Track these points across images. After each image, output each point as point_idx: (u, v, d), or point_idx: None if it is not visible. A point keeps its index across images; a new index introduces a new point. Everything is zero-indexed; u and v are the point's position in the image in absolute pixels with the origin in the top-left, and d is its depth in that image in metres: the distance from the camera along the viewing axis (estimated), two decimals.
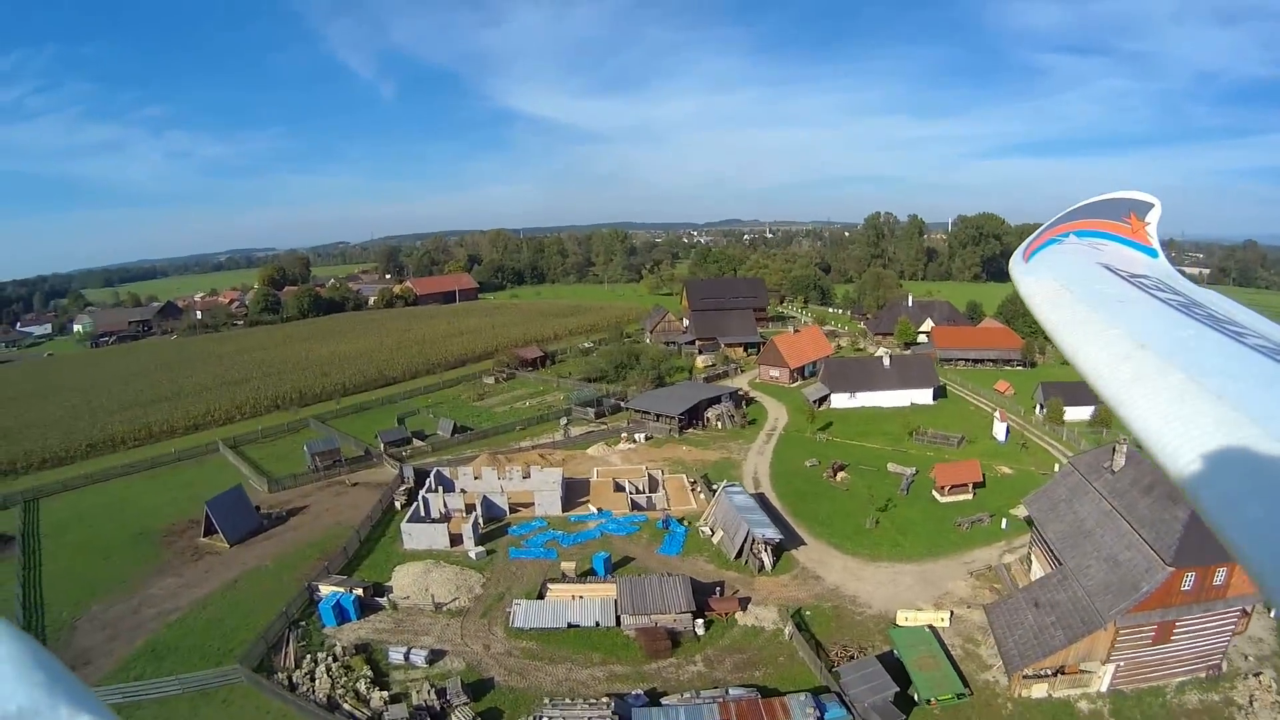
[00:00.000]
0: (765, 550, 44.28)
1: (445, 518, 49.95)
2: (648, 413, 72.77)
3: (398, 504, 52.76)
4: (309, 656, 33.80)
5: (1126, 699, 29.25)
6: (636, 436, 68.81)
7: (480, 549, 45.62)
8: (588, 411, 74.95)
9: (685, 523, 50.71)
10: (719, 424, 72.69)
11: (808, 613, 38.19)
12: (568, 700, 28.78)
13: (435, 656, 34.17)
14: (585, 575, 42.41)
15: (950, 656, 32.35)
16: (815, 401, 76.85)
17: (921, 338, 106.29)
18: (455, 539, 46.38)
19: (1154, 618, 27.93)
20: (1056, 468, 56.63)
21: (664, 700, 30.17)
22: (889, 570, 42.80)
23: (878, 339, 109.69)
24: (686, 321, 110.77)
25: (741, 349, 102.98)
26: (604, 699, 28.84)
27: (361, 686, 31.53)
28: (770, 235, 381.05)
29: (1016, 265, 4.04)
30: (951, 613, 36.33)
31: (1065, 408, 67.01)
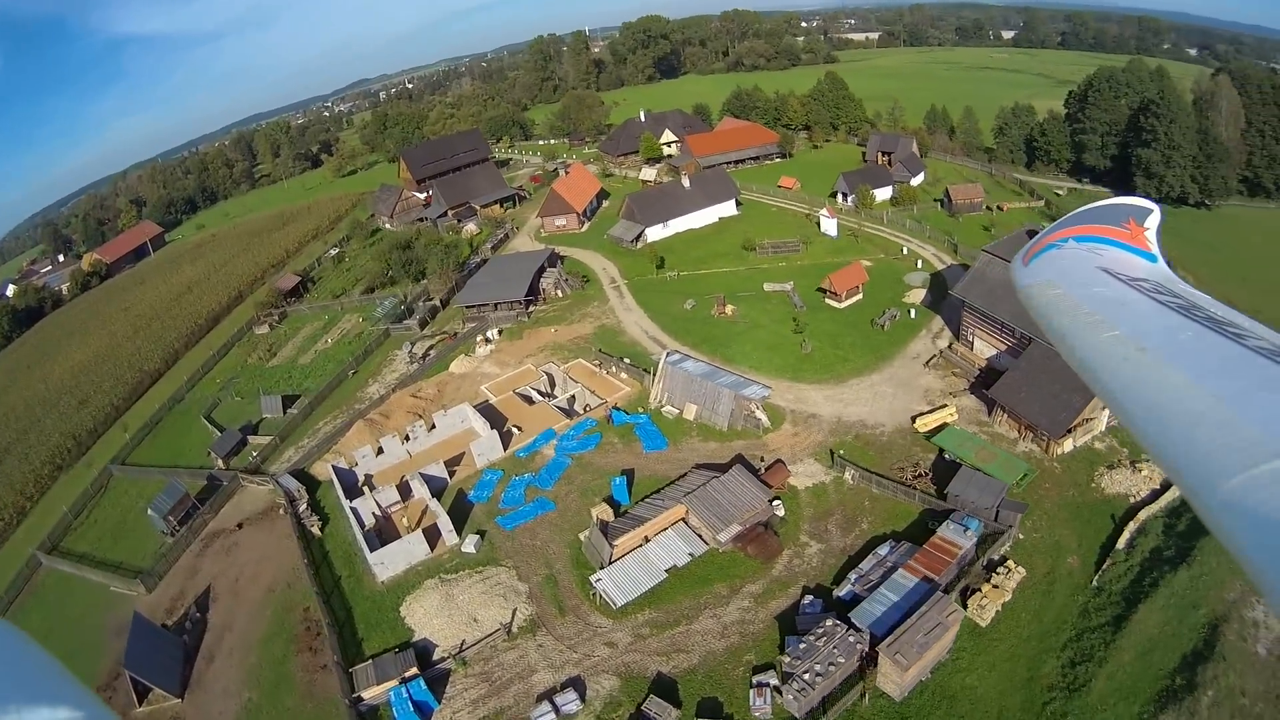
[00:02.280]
0: (758, 408, 48.58)
1: (381, 521, 41.93)
2: (484, 304, 67.65)
3: (314, 530, 41.94)
4: None
5: (1117, 430, 42.36)
6: (490, 335, 63.95)
7: (471, 538, 40.11)
8: (409, 326, 67.98)
9: (642, 410, 51.42)
10: (558, 292, 71.29)
11: (841, 451, 44.64)
12: (802, 644, 30.25)
13: (578, 691, 30.68)
14: (623, 514, 41.31)
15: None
16: (632, 240, 79.94)
17: (666, 149, 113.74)
18: (429, 540, 39.75)
19: None
20: (905, 250, 71.97)
21: (848, 589, 33.99)
22: (863, 386, 51.06)
23: (620, 160, 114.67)
24: (423, 195, 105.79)
25: (498, 206, 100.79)
26: (828, 622, 31.13)
27: None
28: (410, 86, 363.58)
29: (1017, 269, 4.45)
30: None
31: (871, 188, 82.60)
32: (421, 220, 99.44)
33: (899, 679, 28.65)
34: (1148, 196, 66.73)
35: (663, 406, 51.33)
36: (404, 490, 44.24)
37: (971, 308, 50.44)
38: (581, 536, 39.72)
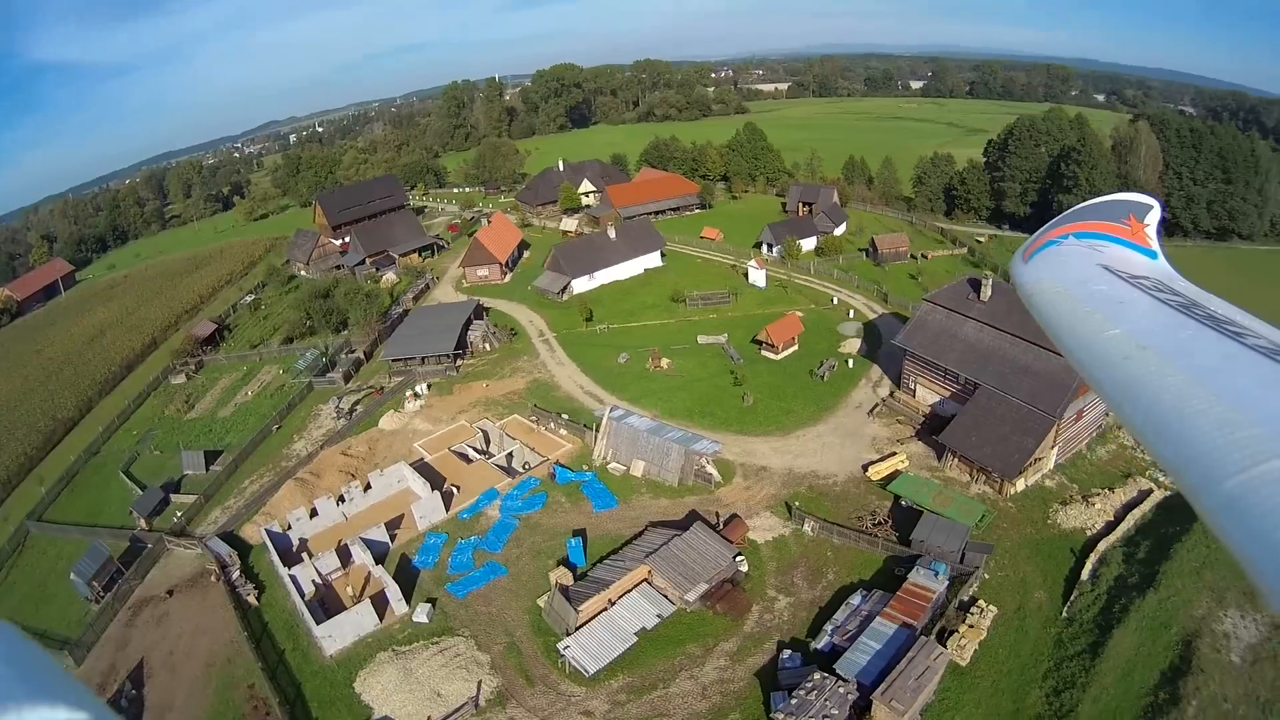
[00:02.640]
0: (709, 463, 48.35)
1: (323, 589, 38.38)
2: (411, 358, 65.96)
3: (250, 599, 39.13)
4: None
5: (1065, 467, 44.81)
6: (418, 390, 61.46)
7: (422, 607, 37.09)
8: (334, 380, 65.57)
9: (586, 467, 50.22)
10: (486, 346, 69.92)
11: (797, 503, 44.81)
12: (794, 700, 29.18)
13: None
14: (582, 576, 39.57)
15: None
16: (558, 292, 79.91)
17: (585, 199, 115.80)
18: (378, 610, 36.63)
19: (1077, 405, 43.89)
20: (835, 300, 74.94)
21: (826, 640, 33.39)
22: (810, 437, 51.74)
23: (538, 210, 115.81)
24: (340, 241, 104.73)
25: (416, 255, 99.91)
26: (816, 676, 30.24)
27: None
28: (320, 130, 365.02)
29: (1016, 266, 4.52)
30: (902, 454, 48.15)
31: (797, 239, 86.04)
32: (338, 268, 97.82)
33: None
34: None
35: (608, 463, 50.29)
36: (344, 555, 41.14)
37: (914, 356, 52.55)
38: (540, 602, 37.65)
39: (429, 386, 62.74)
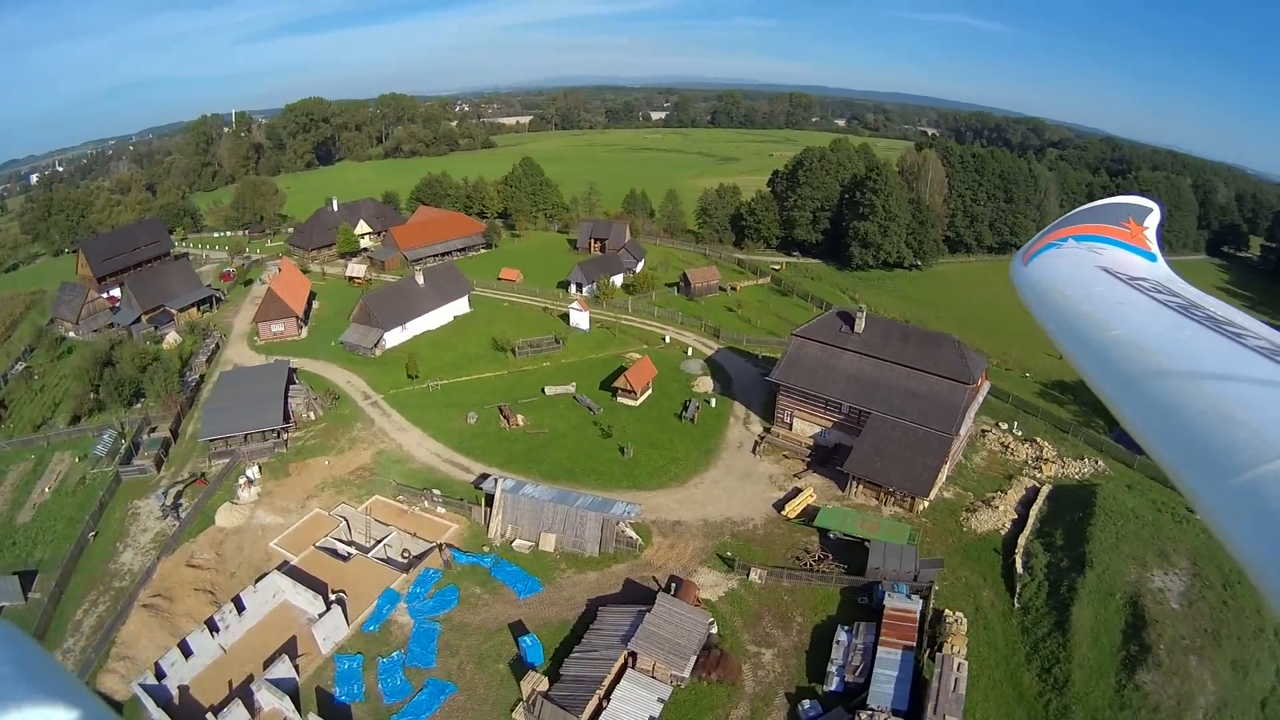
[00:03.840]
0: (628, 527, 47.72)
1: None
2: (232, 435, 57.37)
3: None
4: None
5: (955, 479, 51.74)
6: (249, 474, 52.67)
7: None
8: (144, 467, 55.98)
9: (486, 549, 46.71)
10: (310, 414, 62.08)
11: (729, 553, 46.26)
12: None
13: None
14: (551, 676, 36.44)
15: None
16: (372, 347, 74.13)
17: (363, 241, 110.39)
18: None
19: (962, 422, 51.35)
20: (667, 339, 78.24)
21: (836, 682, 35.08)
22: (708, 484, 53.32)
23: (314, 255, 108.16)
24: (107, 295, 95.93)
25: (195, 309, 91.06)
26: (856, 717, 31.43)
27: None
28: (61, 169, 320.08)
29: (1016, 268, 4.96)
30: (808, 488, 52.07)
31: (609, 277, 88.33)
32: (112, 326, 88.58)
33: None
34: (863, 266, 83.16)
35: (511, 542, 47.19)
36: (248, 702, 32.51)
37: (789, 390, 57.49)
38: (518, 717, 33.84)
39: (260, 469, 53.75)
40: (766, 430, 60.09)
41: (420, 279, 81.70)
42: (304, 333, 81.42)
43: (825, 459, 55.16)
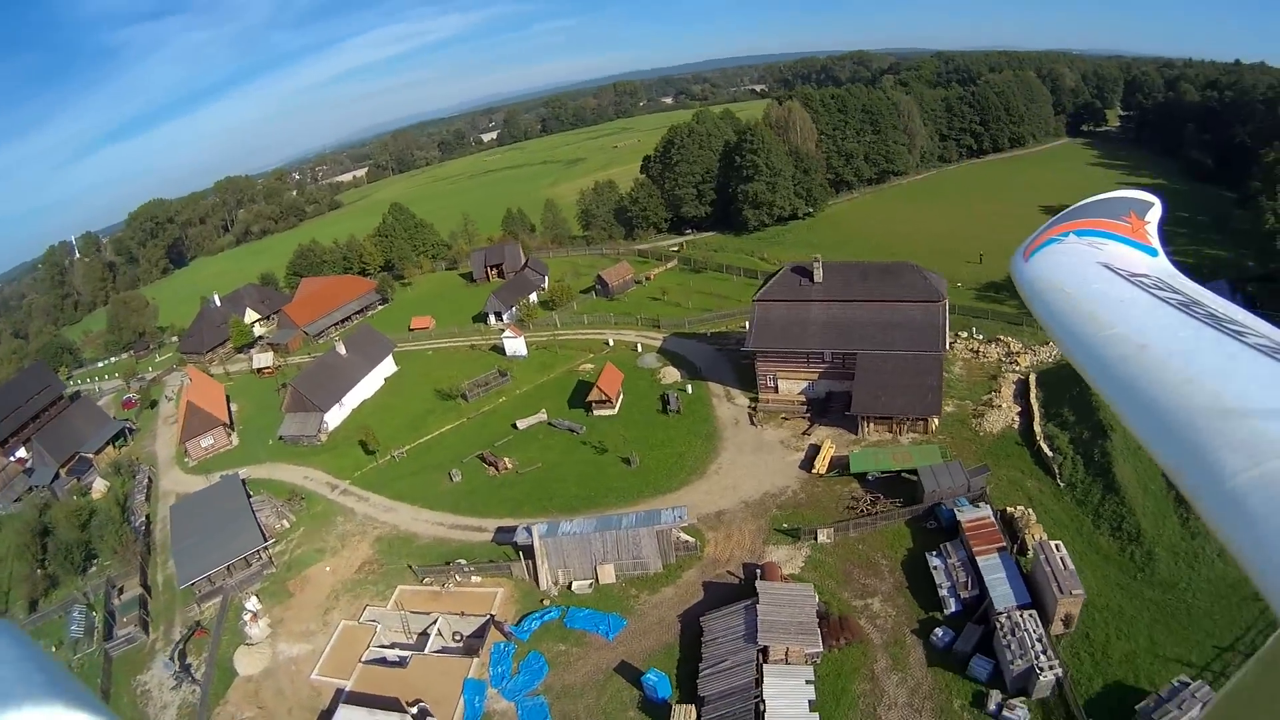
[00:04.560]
0: (680, 531, 47.49)
1: None
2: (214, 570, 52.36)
3: None
4: None
5: (945, 392, 54.32)
6: (250, 606, 48.26)
7: None
8: (133, 637, 50.01)
9: (546, 602, 45.06)
10: (283, 523, 58.31)
11: (785, 524, 47.29)
12: (1006, 644, 31.81)
13: None
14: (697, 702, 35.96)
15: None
16: (315, 433, 69.95)
17: (257, 330, 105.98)
18: None
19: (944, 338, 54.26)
20: (610, 342, 77.69)
21: (953, 606, 37.05)
22: (727, 467, 54.06)
23: (211, 357, 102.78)
24: (15, 457, 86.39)
25: (111, 447, 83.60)
26: (998, 620, 33.51)
27: None
28: None
29: (1016, 264, 5.02)
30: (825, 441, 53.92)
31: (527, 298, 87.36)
32: (31, 490, 79.91)
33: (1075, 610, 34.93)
34: (759, 226, 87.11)
35: (568, 585, 45.92)
36: None
37: (766, 355, 59.11)
38: None
39: (258, 598, 49.00)
40: (754, 400, 61.46)
41: (342, 349, 77.83)
42: (235, 439, 75.70)
43: (823, 410, 57.37)
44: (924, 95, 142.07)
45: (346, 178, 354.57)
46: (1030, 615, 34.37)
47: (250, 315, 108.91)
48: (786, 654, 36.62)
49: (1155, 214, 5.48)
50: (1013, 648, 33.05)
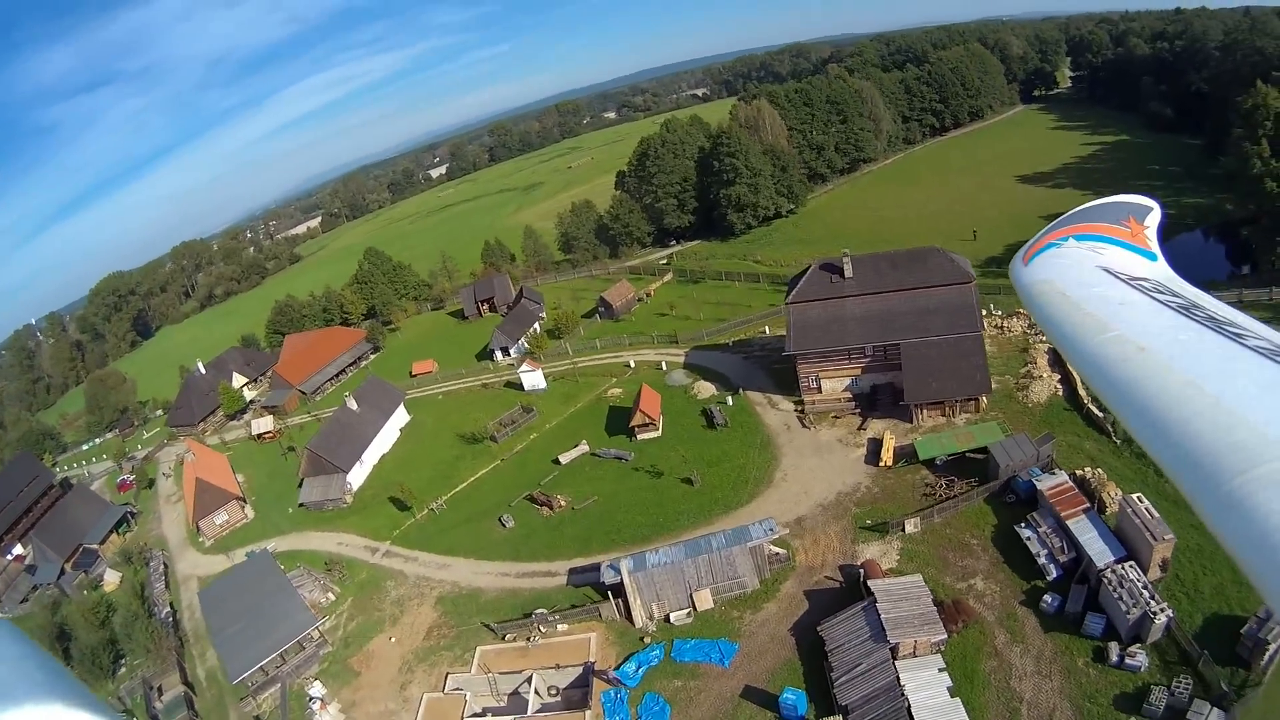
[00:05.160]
0: (771, 544, 47.78)
1: None
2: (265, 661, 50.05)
3: None
4: None
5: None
6: (315, 694, 47.10)
7: None
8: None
9: (647, 639, 44.85)
10: (329, 596, 57.53)
11: (868, 520, 48.14)
12: (1116, 595, 33.47)
13: None
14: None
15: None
16: (341, 496, 69.23)
17: (247, 394, 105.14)
18: None
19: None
20: (632, 364, 78.02)
21: (1054, 571, 39.05)
22: (792, 473, 55.05)
23: (204, 428, 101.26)
24: (13, 555, 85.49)
25: (115, 535, 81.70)
26: (1106, 576, 35.57)
27: None
28: None
29: (1016, 268, 5.20)
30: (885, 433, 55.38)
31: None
32: (36, 589, 78.05)
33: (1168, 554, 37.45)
34: (745, 229, 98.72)
35: (665, 618, 45.70)
36: None
37: (806, 357, 60.36)
38: None
39: (318, 682, 47.97)
40: (799, 403, 62.58)
41: (353, 403, 76.97)
42: (249, 512, 74.06)
43: (872, 403, 58.97)
44: (883, 80, 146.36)
45: (301, 229, 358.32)
46: (1130, 566, 36.46)
47: (238, 379, 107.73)
48: (915, 647, 37.72)
49: (1154, 219, 5.49)
50: (1125, 599, 35.02)
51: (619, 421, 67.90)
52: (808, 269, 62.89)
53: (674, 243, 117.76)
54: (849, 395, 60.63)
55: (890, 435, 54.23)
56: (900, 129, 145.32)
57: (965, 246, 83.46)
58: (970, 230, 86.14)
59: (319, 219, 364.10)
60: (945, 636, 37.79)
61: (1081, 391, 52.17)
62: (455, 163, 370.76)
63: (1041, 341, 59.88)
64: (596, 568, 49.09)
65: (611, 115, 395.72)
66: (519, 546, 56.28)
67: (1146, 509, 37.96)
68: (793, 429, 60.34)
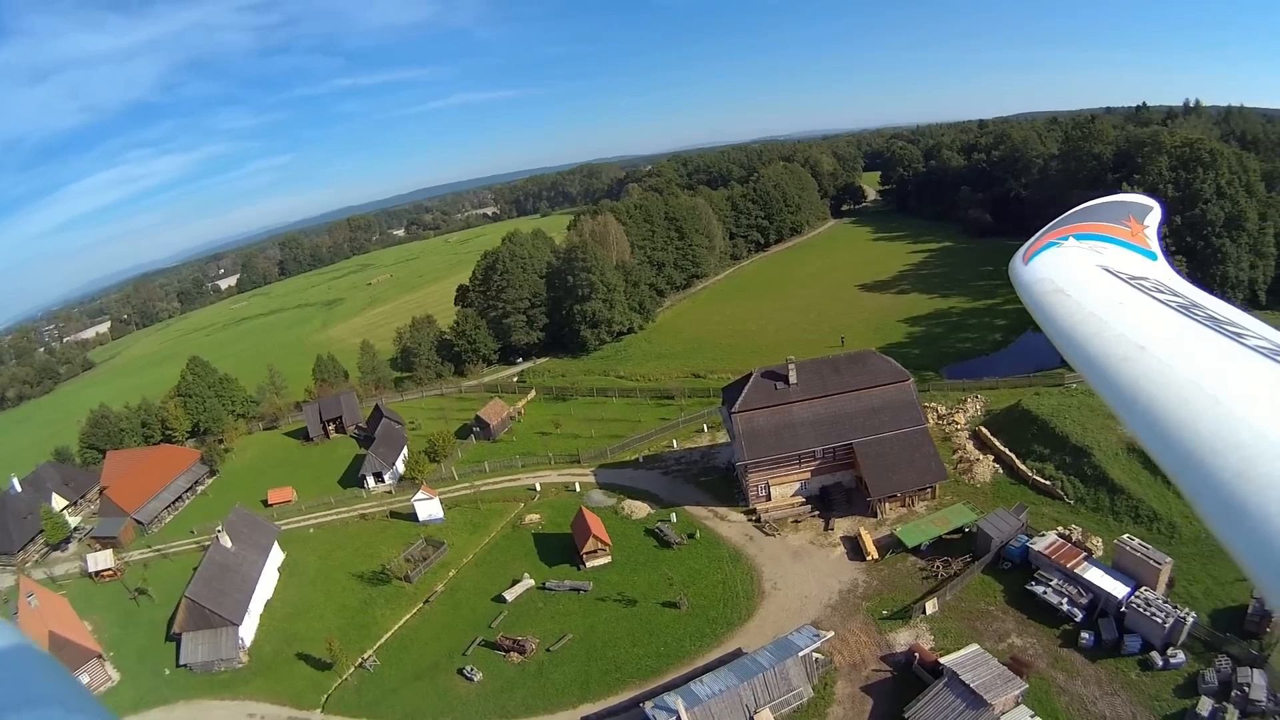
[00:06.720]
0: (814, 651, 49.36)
1: None
2: None
3: None
4: None
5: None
6: None
7: None
8: None
9: None
10: None
11: (884, 611, 52.45)
12: (1139, 602, 41.44)
13: None
14: None
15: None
16: (234, 654, 58.56)
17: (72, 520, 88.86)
18: None
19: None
20: (538, 486, 76.35)
21: (1078, 614, 46.33)
22: (783, 582, 57.27)
23: (24, 558, 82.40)
24: None
25: None
26: (1136, 603, 43.62)
27: None
28: None
29: (1016, 267, 5.51)
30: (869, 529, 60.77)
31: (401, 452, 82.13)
32: None
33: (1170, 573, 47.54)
34: (599, 345, 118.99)
35: None
36: None
37: (758, 465, 64.70)
38: None
39: None
40: (751, 512, 66.01)
41: (226, 540, 65.93)
42: (113, 673, 59.82)
43: (827, 504, 64.50)
44: (712, 196, 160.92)
45: (89, 334, 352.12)
46: (1146, 590, 45.79)
47: (58, 501, 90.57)
48: (1004, 704, 41.92)
49: (1154, 218, 5.53)
50: (1156, 615, 43.81)
51: (553, 551, 65.63)
52: (749, 377, 67.64)
53: (520, 360, 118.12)
54: (801, 499, 65.52)
55: (865, 531, 59.71)
56: (729, 245, 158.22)
57: (836, 351, 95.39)
58: (838, 337, 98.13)
59: (108, 324, 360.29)
60: (1026, 686, 42.47)
61: (1022, 467, 63.14)
62: (246, 275, 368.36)
63: (960, 431, 70.80)
64: (615, 712, 47.16)
65: (400, 233, 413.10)
66: (504, 701, 50.81)
67: (1140, 544, 47.83)
68: (756, 539, 62.91)
